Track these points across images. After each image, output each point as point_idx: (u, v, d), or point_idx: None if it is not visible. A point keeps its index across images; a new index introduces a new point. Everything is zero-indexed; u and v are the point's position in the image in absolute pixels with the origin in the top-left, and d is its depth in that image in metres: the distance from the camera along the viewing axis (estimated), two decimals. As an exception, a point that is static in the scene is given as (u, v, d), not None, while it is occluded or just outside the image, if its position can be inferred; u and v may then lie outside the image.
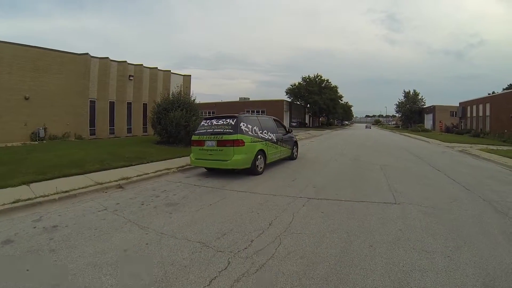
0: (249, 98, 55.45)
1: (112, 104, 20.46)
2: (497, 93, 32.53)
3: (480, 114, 31.29)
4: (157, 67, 23.63)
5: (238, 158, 7.52)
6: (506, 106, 25.42)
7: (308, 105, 55.93)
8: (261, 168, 8.26)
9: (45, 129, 16.30)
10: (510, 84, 59.71)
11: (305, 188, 6.47)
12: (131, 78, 21.40)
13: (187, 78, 26.23)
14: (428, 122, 54.89)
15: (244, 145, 7.64)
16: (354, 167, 9.54)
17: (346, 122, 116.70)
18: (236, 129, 7.71)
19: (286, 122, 49.54)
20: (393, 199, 5.72)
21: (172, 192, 6.39)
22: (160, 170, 8.43)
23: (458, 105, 47.15)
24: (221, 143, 7.66)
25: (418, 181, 7.59)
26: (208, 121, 8.47)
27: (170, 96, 15.41)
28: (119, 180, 7.01)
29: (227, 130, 7.76)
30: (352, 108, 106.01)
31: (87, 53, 18.72)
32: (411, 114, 62.58)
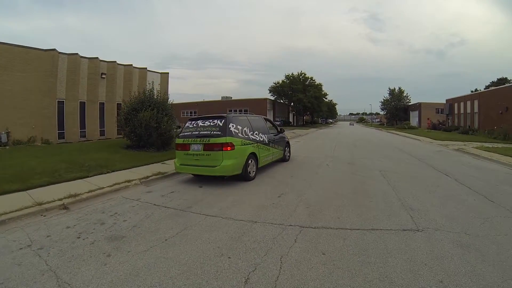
0: (231, 97, 54.57)
1: (82, 105, 18.95)
2: (485, 90, 32.52)
3: (468, 111, 31.06)
4: (131, 64, 22.08)
5: (228, 163, 6.81)
6: (495, 103, 25.13)
7: (292, 103, 55.56)
8: (253, 173, 7.60)
9: (7, 133, 14.49)
10: (493, 81, 61.10)
11: (295, 209, 5.03)
12: (104, 76, 19.91)
13: (164, 76, 24.71)
14: (414, 119, 55.08)
15: (234, 148, 6.95)
16: (351, 174, 8.23)
17: (330, 120, 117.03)
18: (225, 131, 7.00)
19: (269, 121, 48.94)
20: (412, 222, 4.39)
21: (124, 216, 4.92)
22: (119, 183, 7.09)
23: (443, 102, 47.57)
24: (208, 147, 6.95)
25: (430, 191, 6.37)
26: (193, 122, 7.75)
27: (143, 94, 13.78)
28: (66, 198, 5.75)
29: (214, 133, 7.06)
30: (336, 106, 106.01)
31: (54, 49, 17.04)
32: (396, 111, 62.75)
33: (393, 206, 5.22)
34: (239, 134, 7.36)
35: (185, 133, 7.59)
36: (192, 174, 7.97)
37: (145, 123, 12.22)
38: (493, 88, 31.21)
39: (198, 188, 6.78)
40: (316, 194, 6.05)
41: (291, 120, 63.40)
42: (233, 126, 7.26)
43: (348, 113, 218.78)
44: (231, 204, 5.42)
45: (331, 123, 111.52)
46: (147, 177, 7.88)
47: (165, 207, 5.40)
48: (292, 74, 55.21)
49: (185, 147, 7.37)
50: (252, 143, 7.81)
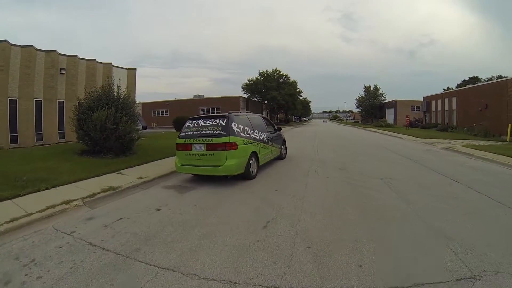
0: (203, 96, 52.93)
1: (39, 104, 16.75)
2: (463, 88, 33.16)
3: (446, 108, 31.42)
4: (95, 59, 19.99)
5: (231, 163, 6.87)
6: (474, 100, 25.48)
7: (266, 101, 54.88)
8: (254, 171, 7.74)
9: None
10: (464, 80, 63.75)
11: (292, 251, 3.52)
12: (63, 71, 17.83)
13: (131, 73, 22.93)
14: (389, 116, 55.88)
15: (237, 148, 7.01)
16: (349, 184, 6.91)
17: (304, 118, 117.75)
18: (228, 130, 7.05)
19: (242, 120, 48.83)
20: (461, 263, 3.16)
21: (42, 266, 3.35)
22: (55, 206, 5.45)
23: (417, 99, 49.19)
24: (211, 147, 6.95)
25: (452, 205, 5.27)
26: (194, 121, 7.75)
27: (101, 90, 11.91)
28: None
29: (217, 132, 7.09)
30: (310, 104, 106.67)
31: (5, 40, 14.74)
32: (372, 109, 63.43)
33: (424, 235, 3.93)
34: (241, 134, 7.42)
35: (186, 133, 7.53)
36: (192, 174, 7.99)
37: (100, 124, 10.40)
38: (471, 85, 31.98)
39: (154, 213, 5.16)
40: (315, 220, 4.59)
41: (265, 118, 62.55)
42: (235, 125, 7.32)
43: (322, 111, 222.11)
44: (197, 242, 3.84)
45: (305, 121, 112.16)
46: (94, 194, 6.26)
47: (103, 248, 3.77)
48: (267, 71, 54.57)
49: (186, 147, 7.32)
50: (253, 142, 7.91)
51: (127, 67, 22.90)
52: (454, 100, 29.71)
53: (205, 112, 43.33)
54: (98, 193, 6.33)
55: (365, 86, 65.27)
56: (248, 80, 53.82)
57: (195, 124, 7.57)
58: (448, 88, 61.08)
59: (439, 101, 33.42)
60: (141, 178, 7.68)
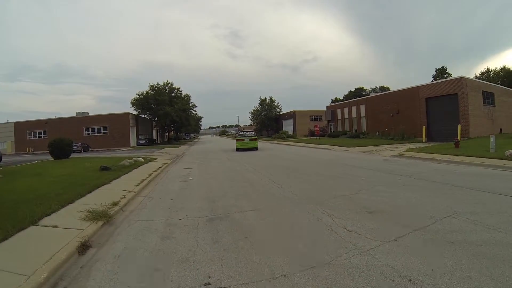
0: (88, 113, 52.17)
1: None
2: (371, 95, 36.79)
3: (354, 115, 33.14)
4: None
5: (256, 145, 24.90)
6: (385, 107, 27.30)
7: (156, 118, 50.84)
8: (258, 148, 24.91)
9: None
10: (351, 91, 72.68)
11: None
12: None
13: None
14: (288, 127, 57.69)
15: (257, 140, 25.52)
16: (467, 252, 3.73)
17: (193, 135, 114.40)
18: (255, 135, 26.90)
19: (133, 140, 47.55)
20: None
21: None
22: None
23: (314, 109, 52.46)
24: (251, 140, 24.83)
25: None
26: (242, 132, 30.11)
27: None
28: None
29: (252, 135, 26.07)
30: (201, 120, 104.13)
31: None
32: (268, 121, 64.77)
33: None
34: (255, 136, 27.13)
35: (241, 136, 26.41)
36: (239, 149, 24.49)
37: None
38: (381, 93, 35.44)
39: None
40: None
41: (155, 137, 57.97)
42: (255, 133, 29.82)
43: (208, 127, 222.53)
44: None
45: (195, 137, 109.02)
46: None
47: None
48: (158, 84, 51.10)
49: (243, 140, 24.94)
50: (257, 139, 26.51)
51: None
52: (363, 107, 31.51)
53: (90, 132, 46.81)
54: None
55: (260, 99, 66.57)
56: (138, 95, 49.38)
57: (243, 133, 27.84)
58: (336, 99, 68.30)
59: (345, 109, 35.23)
60: None
